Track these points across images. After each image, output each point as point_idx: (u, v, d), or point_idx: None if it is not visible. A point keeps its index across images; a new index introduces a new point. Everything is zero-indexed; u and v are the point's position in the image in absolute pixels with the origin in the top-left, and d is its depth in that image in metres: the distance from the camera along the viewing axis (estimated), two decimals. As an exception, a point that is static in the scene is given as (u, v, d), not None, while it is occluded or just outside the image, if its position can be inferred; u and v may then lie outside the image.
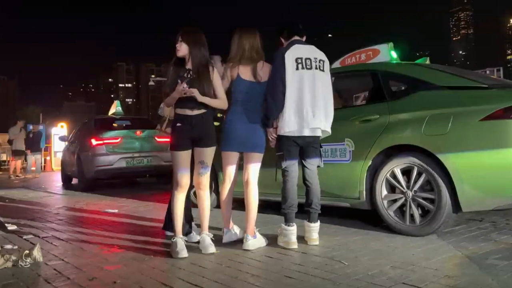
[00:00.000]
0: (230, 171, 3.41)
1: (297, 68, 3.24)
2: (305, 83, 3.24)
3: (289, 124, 3.23)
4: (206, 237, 3.20)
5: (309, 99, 3.23)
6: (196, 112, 3.18)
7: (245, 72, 3.31)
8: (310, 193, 3.36)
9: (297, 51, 3.29)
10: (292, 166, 3.33)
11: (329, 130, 3.38)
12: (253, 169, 3.36)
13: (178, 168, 3.20)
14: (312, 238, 3.30)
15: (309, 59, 3.29)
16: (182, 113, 3.20)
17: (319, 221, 3.36)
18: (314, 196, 3.35)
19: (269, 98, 3.27)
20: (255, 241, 3.27)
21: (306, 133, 3.29)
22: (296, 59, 3.25)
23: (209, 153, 3.27)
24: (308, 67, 3.27)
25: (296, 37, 3.43)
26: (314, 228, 3.32)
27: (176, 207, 3.21)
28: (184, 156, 3.20)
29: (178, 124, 3.20)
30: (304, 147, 3.35)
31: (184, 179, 3.20)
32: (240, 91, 3.32)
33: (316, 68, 3.30)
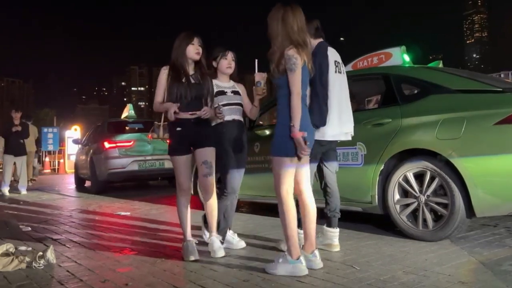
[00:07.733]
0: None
1: (335, 71, 3.17)
2: (342, 87, 3.20)
3: (333, 128, 3.08)
4: (216, 240, 3.21)
5: (345, 103, 3.20)
6: (195, 115, 3.12)
7: (307, 60, 2.72)
8: (332, 197, 3.29)
9: (333, 54, 3.21)
10: (314, 170, 3.20)
11: (353, 133, 3.34)
12: (308, 174, 2.87)
13: (180, 172, 3.18)
14: (335, 244, 3.22)
15: (339, 62, 3.26)
16: (184, 117, 3.11)
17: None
18: (337, 201, 3.30)
19: (320, 103, 2.98)
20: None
21: (342, 137, 3.23)
22: (335, 62, 3.19)
23: (212, 153, 3.23)
24: (339, 71, 3.22)
25: (321, 39, 3.26)
26: (336, 234, 3.26)
27: (181, 211, 3.22)
28: (187, 160, 3.20)
29: (178, 129, 3.14)
30: (327, 151, 3.26)
31: (186, 183, 3.21)
32: (304, 83, 2.69)
33: (342, 73, 3.27)
